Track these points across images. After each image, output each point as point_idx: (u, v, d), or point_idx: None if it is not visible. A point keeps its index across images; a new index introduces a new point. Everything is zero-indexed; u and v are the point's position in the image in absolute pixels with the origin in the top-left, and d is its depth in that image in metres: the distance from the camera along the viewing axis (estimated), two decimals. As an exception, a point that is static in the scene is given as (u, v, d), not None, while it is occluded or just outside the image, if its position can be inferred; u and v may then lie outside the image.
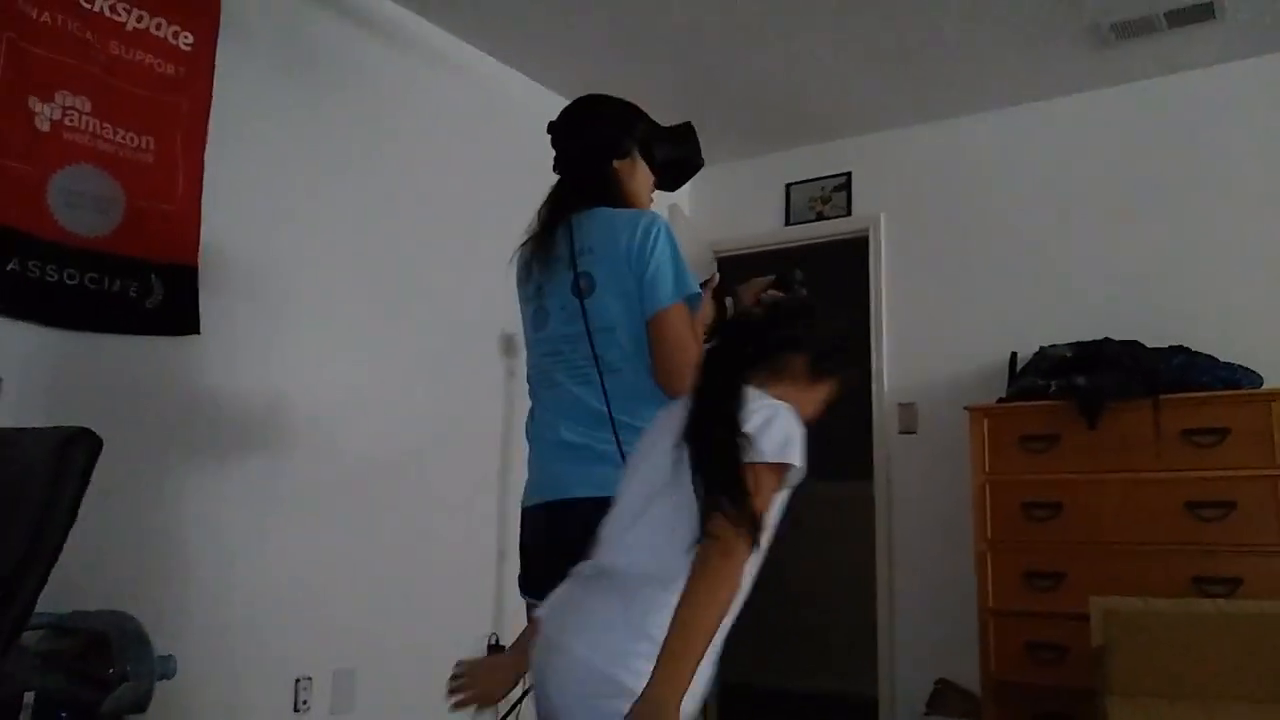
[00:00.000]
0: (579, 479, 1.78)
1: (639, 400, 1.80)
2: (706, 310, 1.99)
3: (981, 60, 3.92)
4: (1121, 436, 3.45)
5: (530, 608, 1.76)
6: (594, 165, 2.00)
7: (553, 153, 2.11)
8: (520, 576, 1.93)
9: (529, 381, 2.01)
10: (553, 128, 2.09)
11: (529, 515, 1.93)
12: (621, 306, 1.84)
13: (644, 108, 2.13)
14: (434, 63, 3.71)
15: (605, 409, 1.79)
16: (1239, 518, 3.24)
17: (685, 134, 2.18)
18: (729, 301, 2.09)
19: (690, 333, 1.84)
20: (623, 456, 1.73)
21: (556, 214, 1.97)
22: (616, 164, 2.02)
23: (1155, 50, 3.82)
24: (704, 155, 2.24)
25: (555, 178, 2.09)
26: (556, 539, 1.75)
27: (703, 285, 2.00)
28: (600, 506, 1.56)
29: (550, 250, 1.93)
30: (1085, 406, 3.48)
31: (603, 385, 1.81)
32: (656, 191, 2.18)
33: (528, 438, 1.98)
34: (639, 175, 2.06)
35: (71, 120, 2.59)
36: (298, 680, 3.03)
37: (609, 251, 1.87)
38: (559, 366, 1.89)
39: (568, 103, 2.14)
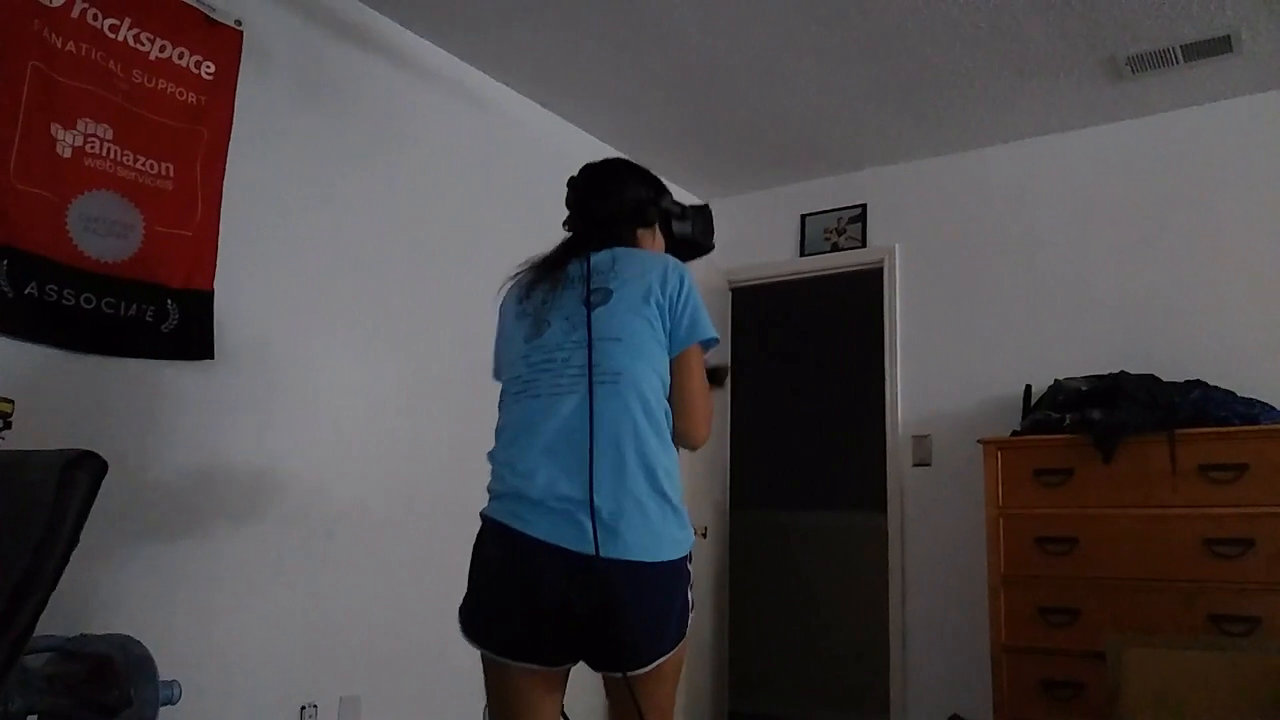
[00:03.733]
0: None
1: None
2: None
3: (998, 93, 3.93)
4: (1137, 471, 3.41)
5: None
6: (619, 229, 2.03)
7: (561, 194, 2.13)
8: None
9: (505, 393, 1.93)
10: (575, 185, 2.10)
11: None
12: (636, 323, 1.83)
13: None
14: (451, 92, 3.75)
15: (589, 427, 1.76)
16: (1258, 555, 3.19)
17: (704, 215, 2.22)
18: None
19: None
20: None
21: (571, 252, 1.97)
22: (640, 231, 2.06)
23: (1172, 83, 3.82)
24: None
25: (563, 212, 2.11)
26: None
27: None
28: None
29: (561, 269, 1.94)
30: (1100, 440, 3.45)
31: (590, 397, 1.78)
32: None
33: (507, 442, 1.87)
34: (656, 245, 2.10)
35: (93, 147, 2.63)
36: (303, 707, 3.02)
37: (634, 274, 1.89)
38: (544, 377, 1.84)
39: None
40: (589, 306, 1.85)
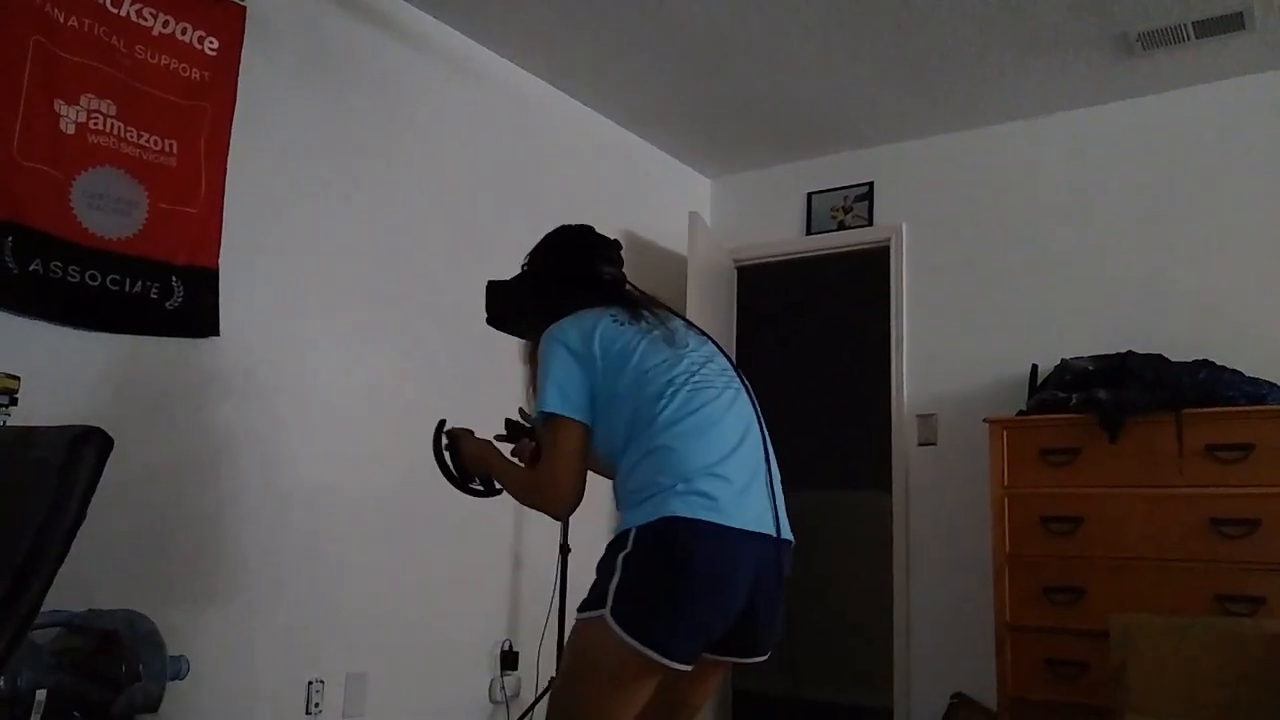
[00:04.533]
0: None
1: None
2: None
3: (1007, 70, 3.90)
4: (1144, 451, 3.40)
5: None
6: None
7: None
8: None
9: (686, 381, 1.83)
10: (594, 246, 2.14)
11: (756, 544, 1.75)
12: None
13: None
14: (456, 67, 3.73)
15: None
16: (1263, 535, 3.18)
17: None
18: None
19: None
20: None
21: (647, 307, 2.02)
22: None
23: (1183, 60, 3.78)
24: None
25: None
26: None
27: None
28: None
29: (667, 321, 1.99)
30: (1106, 420, 3.44)
31: (747, 394, 1.95)
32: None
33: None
34: None
35: (96, 123, 2.62)
36: (310, 683, 3.04)
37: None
38: (709, 376, 1.87)
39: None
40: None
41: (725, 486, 1.71)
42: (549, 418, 1.82)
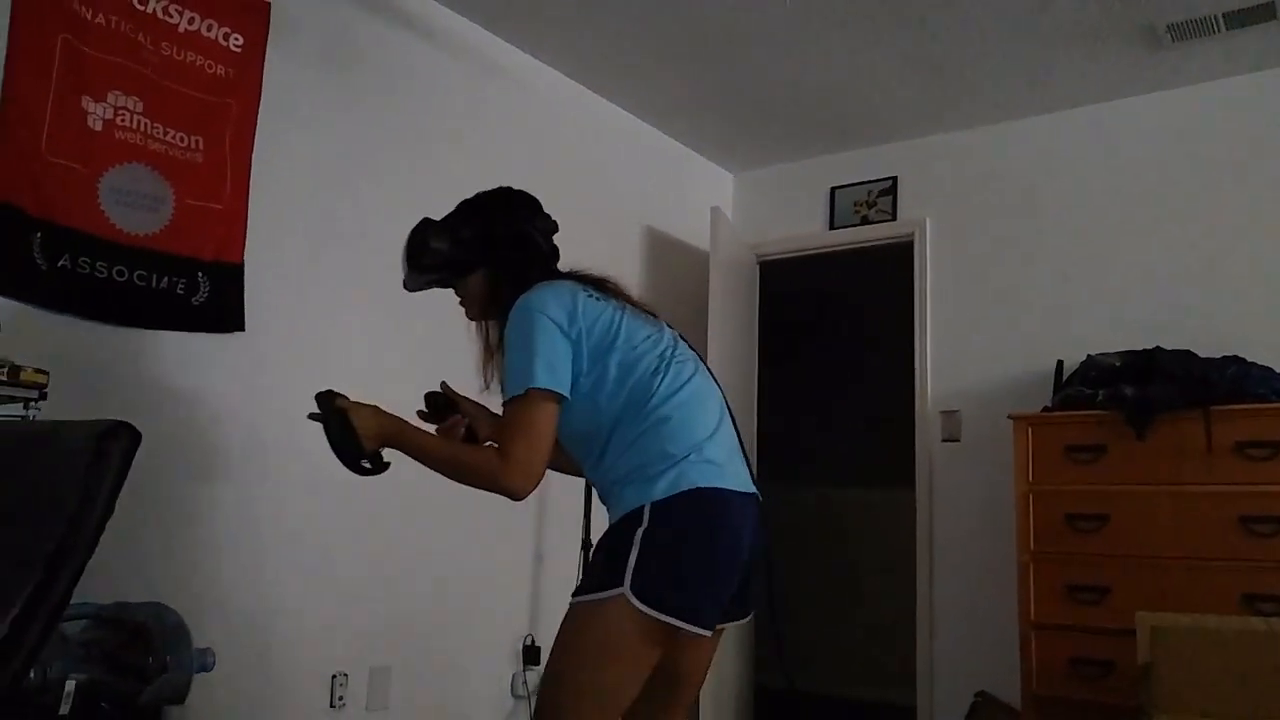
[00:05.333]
0: None
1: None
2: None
3: (1032, 63, 3.86)
4: (1171, 448, 3.37)
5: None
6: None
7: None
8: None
9: (672, 356, 1.86)
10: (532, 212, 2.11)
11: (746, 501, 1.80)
12: None
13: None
14: (477, 62, 3.74)
15: None
16: (1294, 534, 3.15)
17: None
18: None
19: None
20: None
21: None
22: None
23: (1213, 52, 3.73)
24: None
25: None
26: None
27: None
28: None
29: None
30: (1134, 417, 3.41)
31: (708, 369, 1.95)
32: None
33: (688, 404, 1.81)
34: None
35: (123, 120, 2.64)
36: (334, 676, 3.06)
37: None
38: (681, 354, 1.88)
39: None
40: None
41: (723, 453, 1.79)
42: (526, 394, 1.74)
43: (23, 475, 1.38)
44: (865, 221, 4.75)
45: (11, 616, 1.12)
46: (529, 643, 3.69)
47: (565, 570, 3.71)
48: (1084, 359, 3.78)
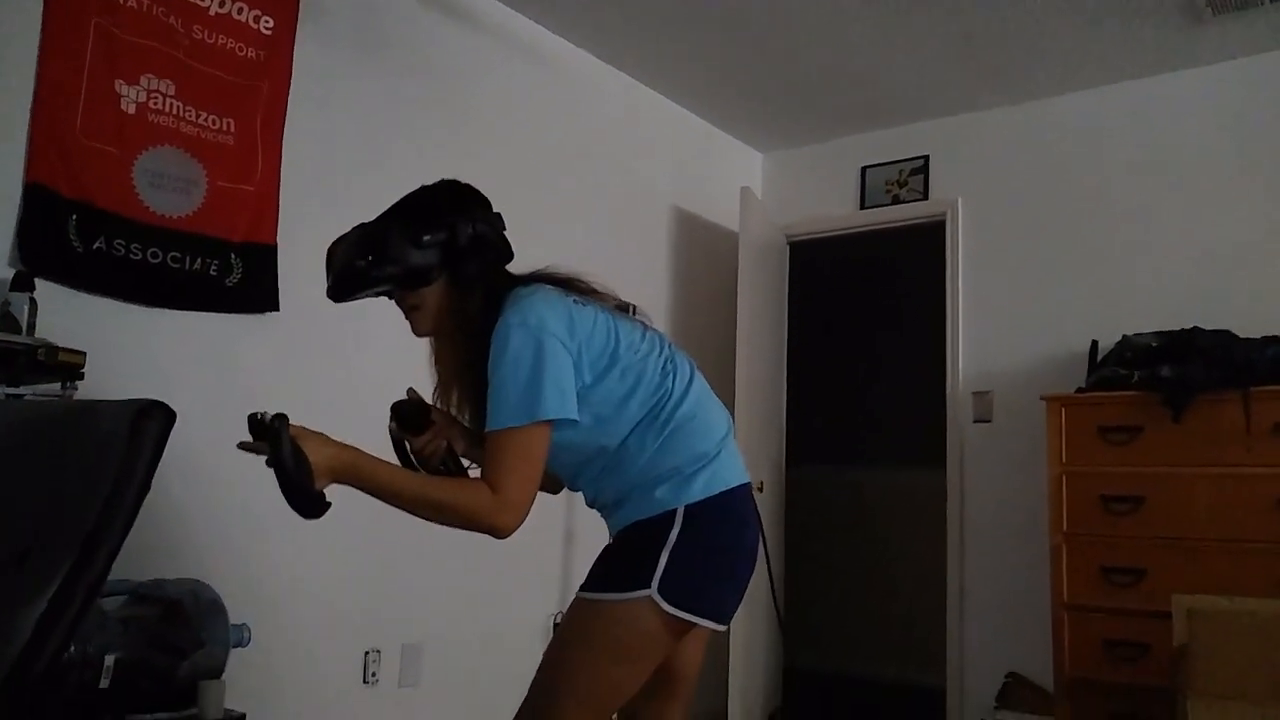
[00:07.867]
0: None
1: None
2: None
3: (1067, 39, 3.79)
4: (1209, 430, 3.32)
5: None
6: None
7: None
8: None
9: (671, 354, 1.81)
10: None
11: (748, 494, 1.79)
12: None
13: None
14: (509, 46, 3.72)
15: None
16: (1334, 517, 3.10)
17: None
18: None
19: None
20: None
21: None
22: None
23: (1255, 25, 3.65)
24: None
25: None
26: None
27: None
28: None
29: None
30: (1172, 398, 3.36)
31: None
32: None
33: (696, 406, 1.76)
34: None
35: (156, 103, 2.66)
36: (367, 653, 3.10)
37: None
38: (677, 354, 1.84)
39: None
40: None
41: (734, 445, 1.80)
42: (526, 424, 1.58)
43: (60, 454, 1.40)
44: (896, 201, 4.70)
45: (50, 594, 1.14)
46: (559, 620, 3.71)
47: (595, 549, 3.71)
48: (1119, 339, 3.73)
